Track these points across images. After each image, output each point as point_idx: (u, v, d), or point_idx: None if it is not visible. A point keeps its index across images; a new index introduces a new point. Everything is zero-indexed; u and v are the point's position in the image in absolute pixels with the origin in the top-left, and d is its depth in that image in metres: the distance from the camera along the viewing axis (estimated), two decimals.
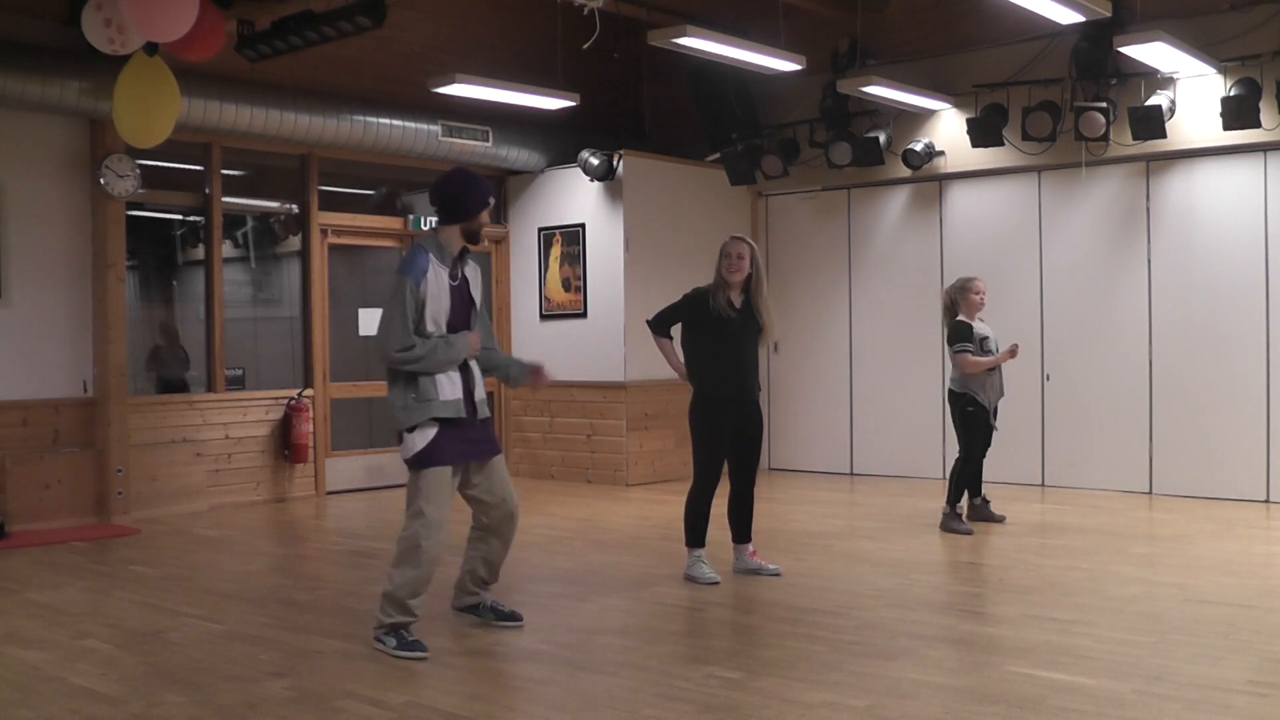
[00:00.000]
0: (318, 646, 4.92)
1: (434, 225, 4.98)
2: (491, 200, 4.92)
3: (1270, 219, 8.47)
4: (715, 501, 6.08)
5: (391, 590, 4.74)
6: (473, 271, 4.96)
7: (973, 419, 7.49)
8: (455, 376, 4.79)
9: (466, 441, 4.82)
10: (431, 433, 4.71)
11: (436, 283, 4.73)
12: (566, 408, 10.43)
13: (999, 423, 7.75)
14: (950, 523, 7.44)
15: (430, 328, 4.73)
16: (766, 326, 6.06)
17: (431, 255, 4.75)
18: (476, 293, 4.95)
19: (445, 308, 4.76)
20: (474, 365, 4.92)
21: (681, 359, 6.20)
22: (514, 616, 5.11)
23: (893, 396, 10.26)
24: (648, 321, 6.28)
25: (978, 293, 7.52)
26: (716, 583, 5.97)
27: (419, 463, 4.72)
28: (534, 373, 5.15)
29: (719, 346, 5.98)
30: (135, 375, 8.76)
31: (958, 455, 7.59)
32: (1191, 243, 8.82)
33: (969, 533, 7.36)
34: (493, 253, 10.94)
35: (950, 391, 7.59)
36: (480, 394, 4.91)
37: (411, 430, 4.72)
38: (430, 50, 10.00)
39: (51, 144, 8.23)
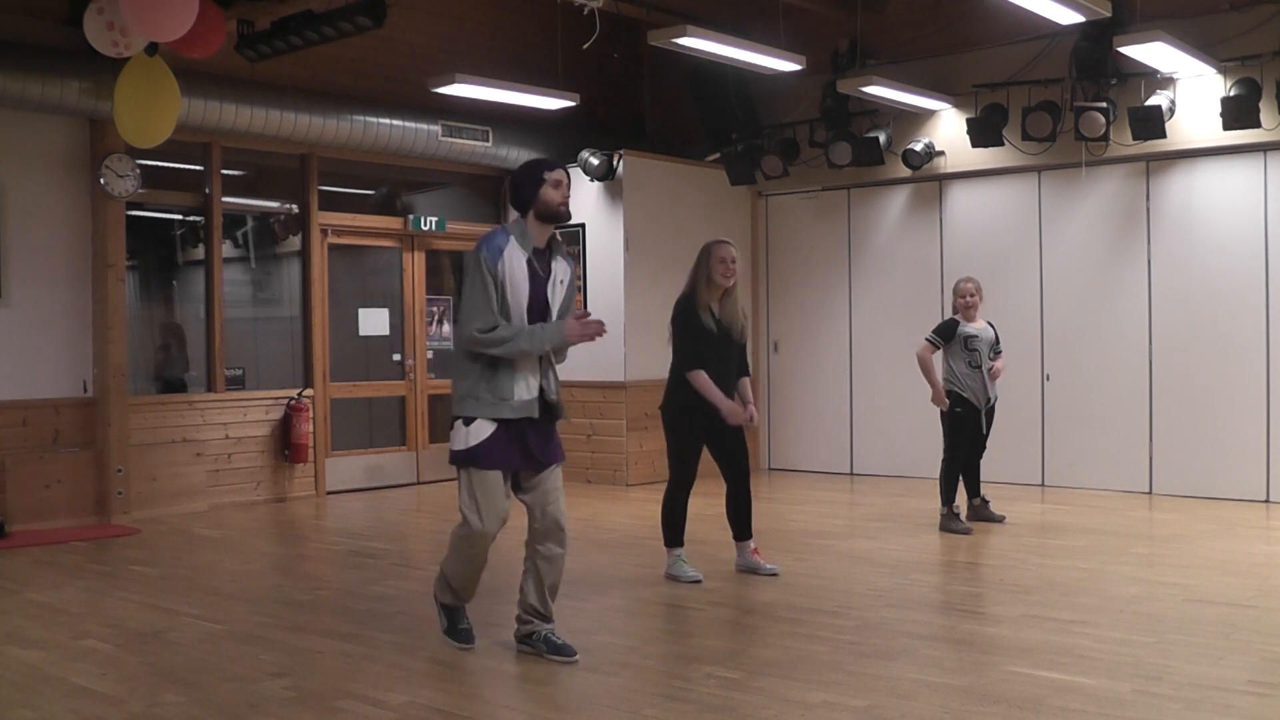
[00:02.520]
0: (318, 646, 4.92)
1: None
2: (549, 174, 4.48)
3: (1270, 219, 8.47)
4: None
5: (441, 571, 4.73)
6: (563, 270, 4.61)
7: (960, 419, 7.47)
8: (535, 374, 4.50)
9: (524, 447, 4.50)
10: (488, 431, 4.42)
11: (515, 264, 4.42)
12: (566, 408, 10.41)
13: (996, 424, 7.74)
14: (949, 523, 7.44)
15: (513, 312, 4.43)
16: (745, 328, 6.05)
17: (512, 236, 4.46)
18: (560, 291, 4.58)
19: (525, 294, 4.43)
20: (553, 359, 4.60)
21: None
22: (566, 650, 4.60)
23: (893, 396, 10.25)
24: (686, 370, 5.86)
25: (961, 294, 7.54)
26: (698, 581, 5.95)
27: (463, 459, 4.45)
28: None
29: (710, 354, 5.88)
30: (135, 375, 8.76)
31: (943, 455, 7.58)
32: (1191, 243, 8.81)
33: (968, 532, 7.36)
34: None
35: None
36: (554, 393, 4.61)
37: (469, 423, 4.44)
38: (430, 50, 10.00)
39: (51, 144, 8.23)
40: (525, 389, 4.48)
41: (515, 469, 4.54)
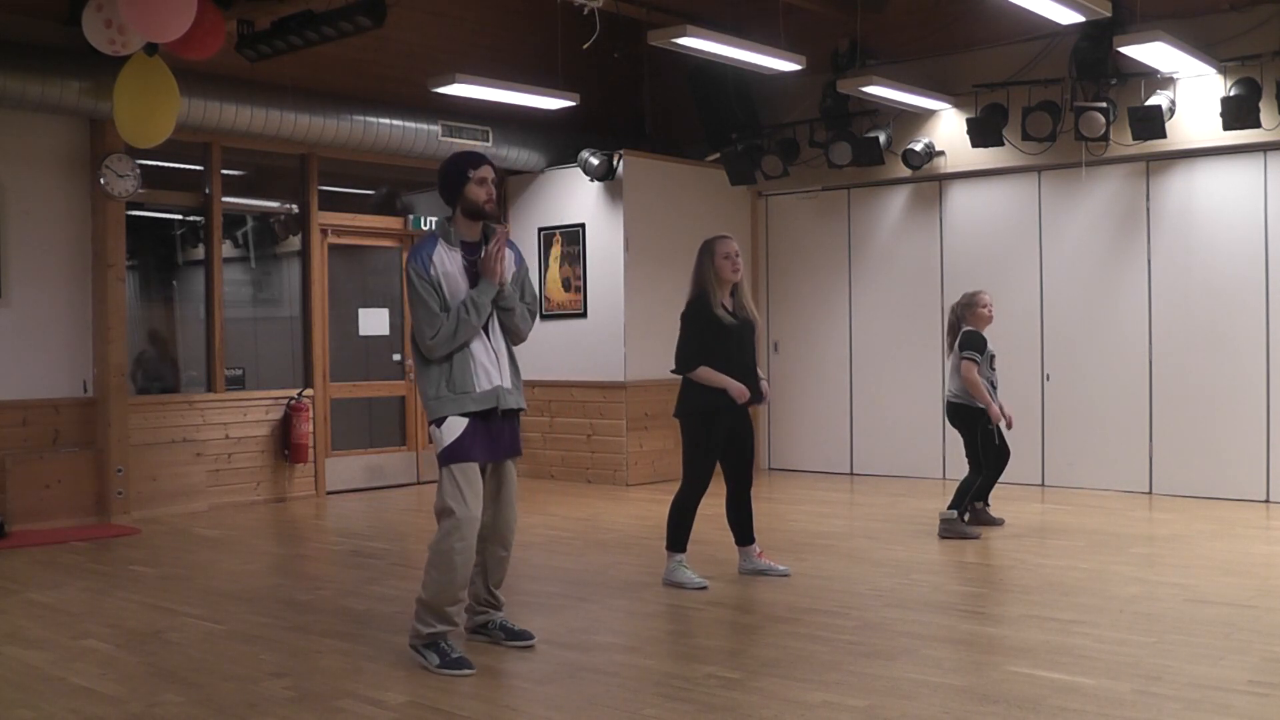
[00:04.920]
0: (318, 646, 4.92)
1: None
2: (473, 171, 4.60)
3: (1270, 219, 8.47)
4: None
5: (426, 597, 4.51)
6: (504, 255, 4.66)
7: (994, 435, 7.37)
8: (494, 366, 4.59)
9: (494, 439, 4.63)
10: (462, 425, 4.52)
11: (448, 263, 4.56)
12: (566, 408, 10.44)
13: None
14: (958, 528, 7.28)
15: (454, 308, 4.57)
16: (757, 322, 6.01)
17: (440, 240, 4.60)
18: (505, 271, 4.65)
19: (462, 288, 4.55)
20: (501, 343, 4.66)
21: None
22: (524, 636, 4.82)
23: (893, 396, 10.26)
24: (683, 370, 5.89)
25: (985, 305, 7.45)
26: (704, 587, 5.85)
27: (444, 458, 4.52)
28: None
29: (725, 353, 5.84)
30: (132, 375, 8.74)
31: (971, 471, 7.42)
32: (1191, 243, 8.82)
33: (977, 536, 7.28)
34: None
35: (961, 406, 7.38)
36: (506, 379, 4.65)
37: (440, 423, 4.53)
38: (430, 50, 10.00)
39: (51, 144, 8.23)
40: (486, 380, 4.58)
41: (490, 459, 4.67)
